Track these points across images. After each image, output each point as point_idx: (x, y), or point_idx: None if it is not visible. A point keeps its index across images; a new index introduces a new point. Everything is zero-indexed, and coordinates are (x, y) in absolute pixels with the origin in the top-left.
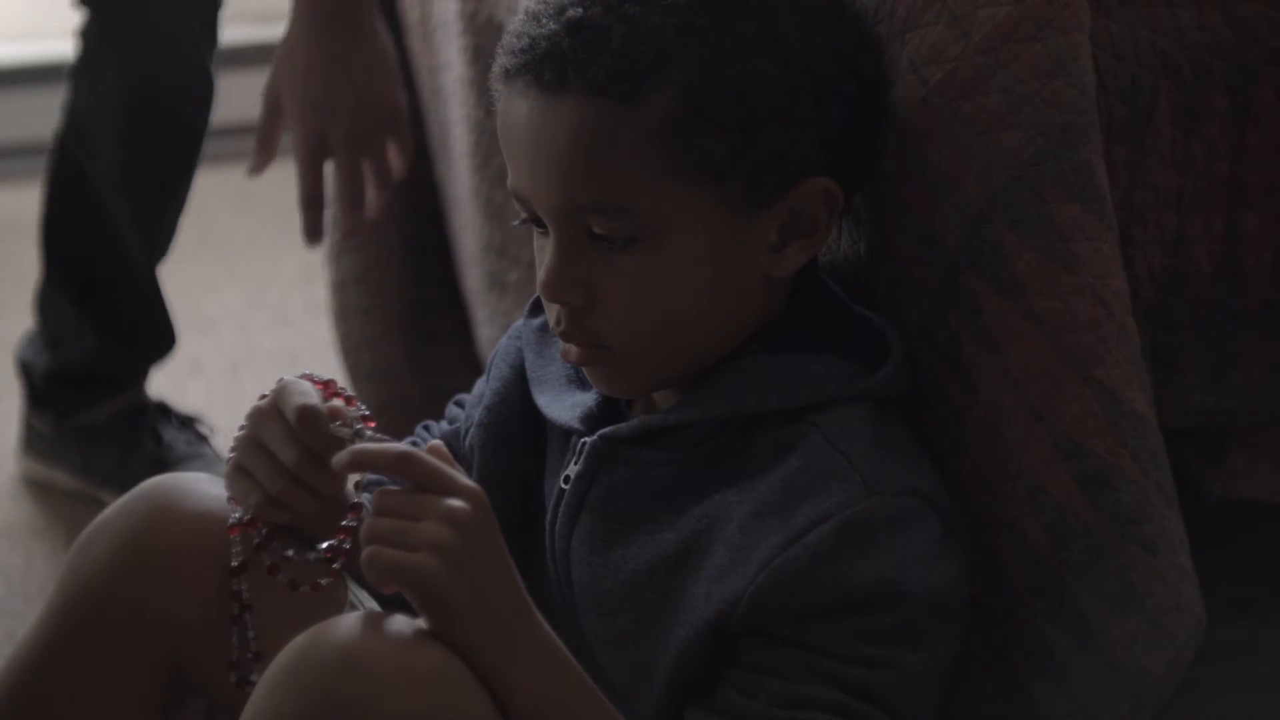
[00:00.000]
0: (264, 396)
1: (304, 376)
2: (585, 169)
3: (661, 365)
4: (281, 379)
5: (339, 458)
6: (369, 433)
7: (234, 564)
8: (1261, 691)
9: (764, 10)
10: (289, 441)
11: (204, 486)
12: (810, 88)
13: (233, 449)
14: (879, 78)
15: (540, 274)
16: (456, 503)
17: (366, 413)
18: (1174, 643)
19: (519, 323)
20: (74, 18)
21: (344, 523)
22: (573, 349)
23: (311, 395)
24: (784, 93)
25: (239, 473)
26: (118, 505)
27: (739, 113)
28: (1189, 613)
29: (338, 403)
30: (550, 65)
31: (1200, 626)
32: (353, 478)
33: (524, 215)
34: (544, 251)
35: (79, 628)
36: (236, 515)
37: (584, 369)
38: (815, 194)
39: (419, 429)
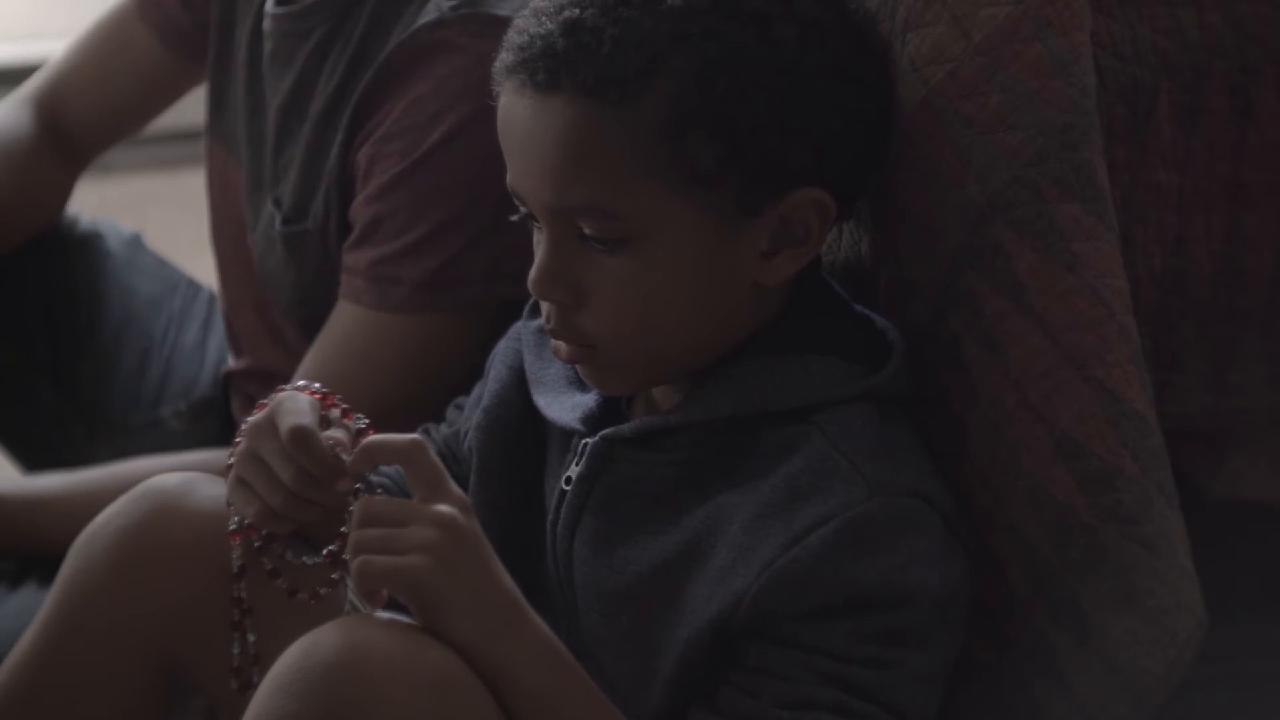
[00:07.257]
0: (262, 405)
1: (300, 388)
2: (574, 170)
3: (649, 366)
4: (279, 390)
5: (353, 460)
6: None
7: (234, 569)
8: (1261, 691)
9: (759, 18)
10: (285, 459)
11: (204, 487)
12: (805, 97)
13: (231, 456)
14: (881, 85)
15: (531, 271)
16: (441, 507)
17: (365, 424)
18: (1174, 643)
19: (518, 324)
20: (74, 18)
21: (343, 529)
22: (562, 346)
23: (306, 413)
24: (777, 102)
25: (239, 484)
26: (118, 505)
27: (729, 121)
28: (1189, 613)
29: (333, 432)
30: (544, 65)
31: (1200, 626)
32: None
33: (523, 210)
34: (539, 248)
35: (78, 628)
36: (236, 521)
37: (577, 367)
38: (807, 204)
39: (419, 432)
